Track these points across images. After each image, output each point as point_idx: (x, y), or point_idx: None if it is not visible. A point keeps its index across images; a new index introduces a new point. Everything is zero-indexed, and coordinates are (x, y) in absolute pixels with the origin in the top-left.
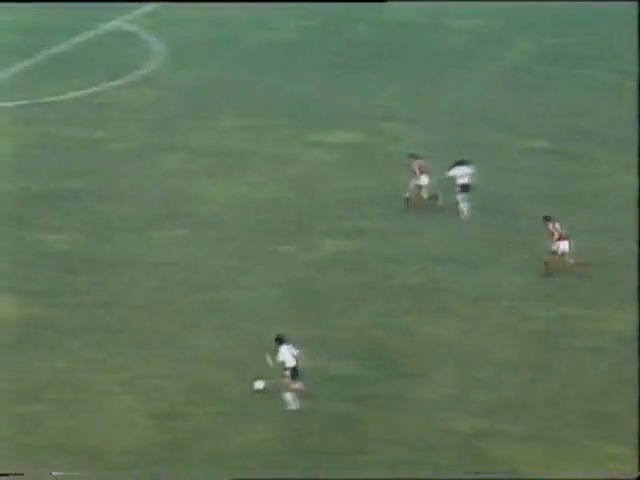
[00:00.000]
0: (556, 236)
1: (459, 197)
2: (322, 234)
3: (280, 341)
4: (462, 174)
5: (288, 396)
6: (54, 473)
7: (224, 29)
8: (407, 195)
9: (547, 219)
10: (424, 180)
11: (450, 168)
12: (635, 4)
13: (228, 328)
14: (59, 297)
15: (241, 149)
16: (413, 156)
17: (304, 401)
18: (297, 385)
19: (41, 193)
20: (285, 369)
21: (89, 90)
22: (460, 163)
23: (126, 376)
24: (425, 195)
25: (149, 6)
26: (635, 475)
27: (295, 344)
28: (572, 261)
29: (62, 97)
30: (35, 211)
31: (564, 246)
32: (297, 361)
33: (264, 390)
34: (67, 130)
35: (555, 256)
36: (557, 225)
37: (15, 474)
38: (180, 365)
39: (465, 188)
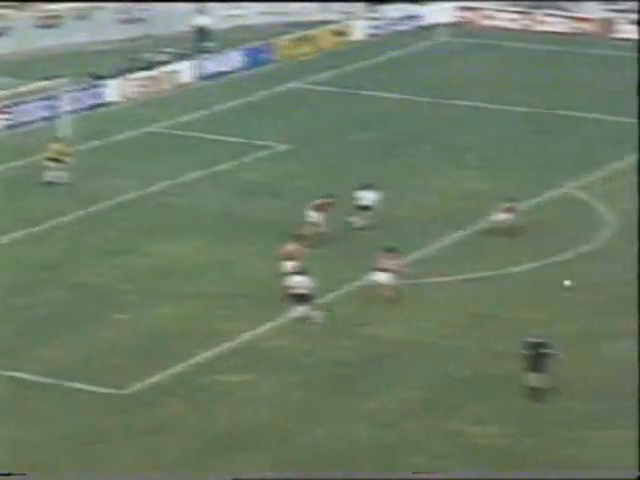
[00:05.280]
0: None
1: None
2: None
3: None
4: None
5: None
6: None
7: None
8: None
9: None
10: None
11: None
12: None
13: None
14: None
15: None
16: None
17: None
18: None
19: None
20: None
21: (528, 265)
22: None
23: None
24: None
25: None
26: (635, 475)
27: None
28: None
29: (496, 272)
30: (464, 399)
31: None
32: None
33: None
34: (497, 309)
35: None
36: None
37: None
38: None
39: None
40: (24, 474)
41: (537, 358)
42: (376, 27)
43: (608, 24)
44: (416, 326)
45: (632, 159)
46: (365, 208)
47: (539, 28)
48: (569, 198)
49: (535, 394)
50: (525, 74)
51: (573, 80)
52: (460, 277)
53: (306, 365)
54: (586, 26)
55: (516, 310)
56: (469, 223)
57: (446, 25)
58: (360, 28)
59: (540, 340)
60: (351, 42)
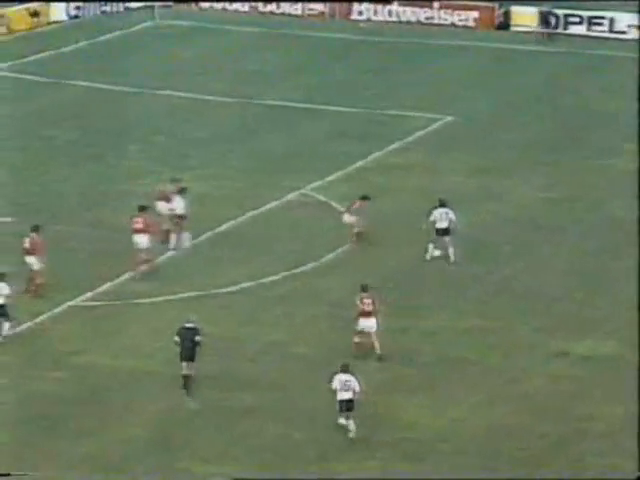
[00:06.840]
0: None
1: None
2: None
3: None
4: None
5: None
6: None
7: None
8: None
9: None
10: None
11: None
12: None
13: None
14: None
15: (457, 356)
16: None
17: None
18: None
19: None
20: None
21: (265, 280)
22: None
23: None
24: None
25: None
26: (635, 475)
27: None
28: None
29: (228, 289)
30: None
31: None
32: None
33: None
34: (219, 329)
35: None
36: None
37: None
38: None
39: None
40: (26, 474)
41: (190, 345)
42: (78, 8)
43: (347, 6)
44: (137, 353)
45: (375, 156)
46: (181, 217)
47: (268, 10)
48: (307, 201)
49: (185, 382)
50: (250, 61)
51: (309, 66)
52: (186, 295)
53: (8, 402)
54: (320, 7)
55: (247, 329)
56: (200, 231)
57: (159, 7)
58: (59, 9)
59: (192, 326)
60: (49, 24)
